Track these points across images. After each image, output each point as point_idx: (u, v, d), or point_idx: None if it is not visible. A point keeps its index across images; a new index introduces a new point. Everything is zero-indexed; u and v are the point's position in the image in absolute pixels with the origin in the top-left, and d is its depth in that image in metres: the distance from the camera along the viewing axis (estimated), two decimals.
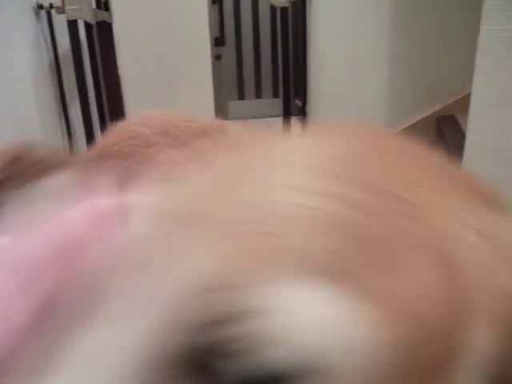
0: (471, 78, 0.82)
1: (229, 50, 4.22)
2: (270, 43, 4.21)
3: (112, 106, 1.99)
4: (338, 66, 1.68)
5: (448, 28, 1.65)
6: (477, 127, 0.77)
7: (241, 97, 4.35)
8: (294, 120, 1.83)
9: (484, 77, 0.77)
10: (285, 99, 1.76)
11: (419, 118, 1.74)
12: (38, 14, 1.57)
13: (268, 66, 4.29)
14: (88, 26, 1.65)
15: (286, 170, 0.21)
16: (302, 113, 1.92)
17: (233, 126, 0.50)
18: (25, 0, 1.48)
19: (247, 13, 4.14)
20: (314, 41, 1.70)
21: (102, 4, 1.99)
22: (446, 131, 1.60)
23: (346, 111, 1.72)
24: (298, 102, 2.06)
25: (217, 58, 4.17)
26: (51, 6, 1.59)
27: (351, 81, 1.70)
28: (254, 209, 0.20)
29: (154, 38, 2.52)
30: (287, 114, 1.77)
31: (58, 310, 0.21)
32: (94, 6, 1.70)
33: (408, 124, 1.75)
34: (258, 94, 4.35)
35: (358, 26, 1.63)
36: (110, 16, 2.18)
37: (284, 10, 1.63)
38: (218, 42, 4.14)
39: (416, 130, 1.74)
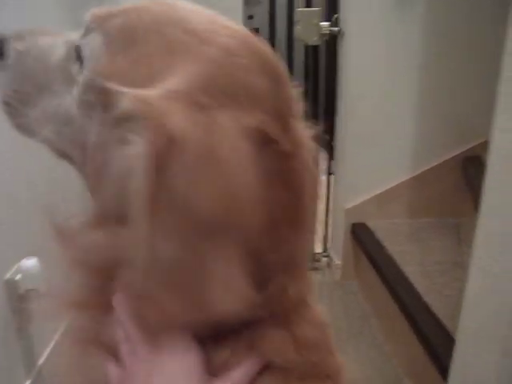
0: None
1: None
2: (303, 79, 4.26)
3: None
4: (366, 103, 1.69)
5: (478, 69, 1.65)
6: (495, 171, 0.77)
7: None
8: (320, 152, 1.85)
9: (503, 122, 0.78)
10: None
11: (446, 158, 1.73)
12: None
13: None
14: None
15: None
16: (329, 146, 1.94)
17: None
18: None
19: (282, 49, 4.21)
20: (344, 78, 1.72)
21: None
22: (471, 172, 1.59)
23: (372, 148, 1.73)
24: (326, 136, 2.08)
25: None
26: None
27: (379, 118, 1.71)
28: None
29: None
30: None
31: None
32: None
33: (435, 164, 1.74)
34: None
35: (387, 66, 1.65)
36: None
37: (314, 48, 1.67)
38: None
39: (443, 170, 1.73)
